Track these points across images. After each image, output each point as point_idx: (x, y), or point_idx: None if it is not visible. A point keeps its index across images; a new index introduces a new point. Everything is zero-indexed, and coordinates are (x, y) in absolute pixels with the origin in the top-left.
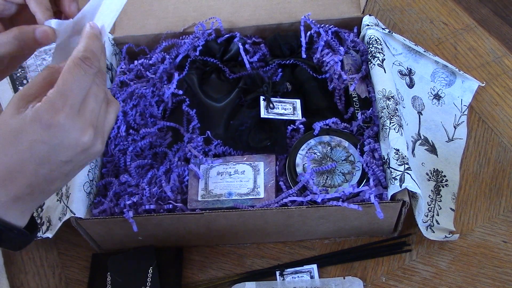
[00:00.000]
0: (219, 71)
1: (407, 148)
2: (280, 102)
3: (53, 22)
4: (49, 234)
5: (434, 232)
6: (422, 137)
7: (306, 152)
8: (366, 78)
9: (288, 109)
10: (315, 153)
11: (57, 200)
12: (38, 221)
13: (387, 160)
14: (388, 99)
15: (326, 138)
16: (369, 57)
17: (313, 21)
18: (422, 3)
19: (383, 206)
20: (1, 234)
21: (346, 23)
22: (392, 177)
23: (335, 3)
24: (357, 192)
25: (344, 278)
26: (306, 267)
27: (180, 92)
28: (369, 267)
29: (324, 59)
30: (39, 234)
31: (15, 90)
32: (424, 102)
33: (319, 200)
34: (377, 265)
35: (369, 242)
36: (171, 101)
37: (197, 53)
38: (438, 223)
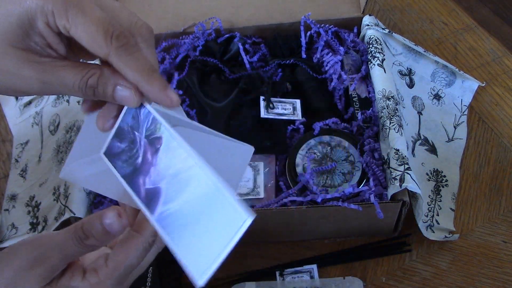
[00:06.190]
0: (219, 71)
1: (407, 148)
2: (280, 102)
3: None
4: None
5: (434, 232)
6: (422, 137)
7: (306, 152)
8: (366, 78)
9: (288, 109)
10: (315, 153)
11: (54, 199)
12: (34, 220)
13: (387, 160)
14: (388, 99)
15: (326, 138)
16: (369, 57)
17: (313, 21)
18: (422, 3)
19: (383, 206)
20: None
21: (346, 23)
22: (392, 177)
23: (335, 3)
24: (357, 192)
25: (344, 278)
26: (306, 267)
27: (180, 92)
28: (369, 267)
29: (324, 59)
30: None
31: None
32: (424, 102)
33: (319, 200)
34: (377, 265)
35: (369, 242)
36: None
37: (197, 53)
38: (438, 223)
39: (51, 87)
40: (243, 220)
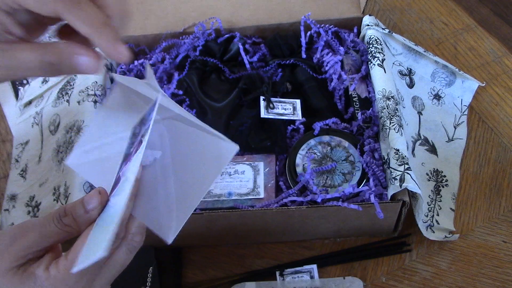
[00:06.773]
0: (219, 71)
1: (407, 148)
2: (280, 102)
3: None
4: None
5: (434, 232)
6: (422, 137)
7: (306, 152)
8: (366, 78)
9: (288, 109)
10: (315, 153)
11: (54, 200)
12: None
13: (387, 160)
14: (388, 99)
15: (326, 138)
16: (369, 57)
17: (313, 21)
18: (422, 3)
19: (383, 206)
20: None
21: (346, 23)
22: (392, 177)
23: (335, 3)
24: (357, 192)
25: (344, 278)
26: (306, 267)
27: (180, 92)
28: (369, 267)
29: (324, 59)
30: None
31: (15, 90)
32: (424, 102)
33: (319, 200)
34: (377, 265)
35: (369, 242)
36: None
37: (197, 53)
38: (438, 223)
39: (14, 71)
40: (99, 256)
